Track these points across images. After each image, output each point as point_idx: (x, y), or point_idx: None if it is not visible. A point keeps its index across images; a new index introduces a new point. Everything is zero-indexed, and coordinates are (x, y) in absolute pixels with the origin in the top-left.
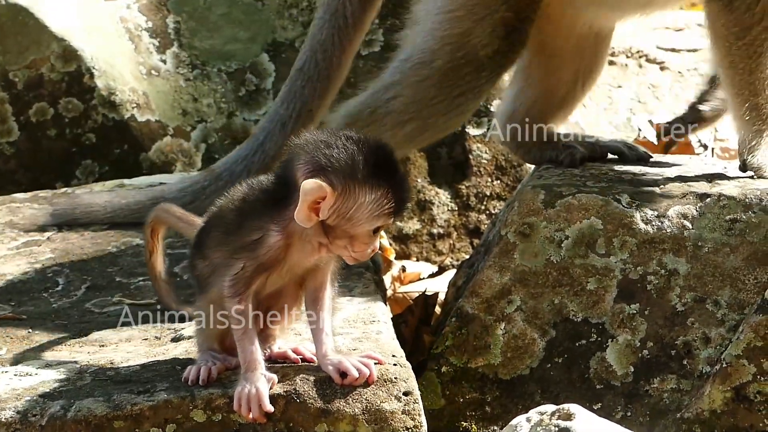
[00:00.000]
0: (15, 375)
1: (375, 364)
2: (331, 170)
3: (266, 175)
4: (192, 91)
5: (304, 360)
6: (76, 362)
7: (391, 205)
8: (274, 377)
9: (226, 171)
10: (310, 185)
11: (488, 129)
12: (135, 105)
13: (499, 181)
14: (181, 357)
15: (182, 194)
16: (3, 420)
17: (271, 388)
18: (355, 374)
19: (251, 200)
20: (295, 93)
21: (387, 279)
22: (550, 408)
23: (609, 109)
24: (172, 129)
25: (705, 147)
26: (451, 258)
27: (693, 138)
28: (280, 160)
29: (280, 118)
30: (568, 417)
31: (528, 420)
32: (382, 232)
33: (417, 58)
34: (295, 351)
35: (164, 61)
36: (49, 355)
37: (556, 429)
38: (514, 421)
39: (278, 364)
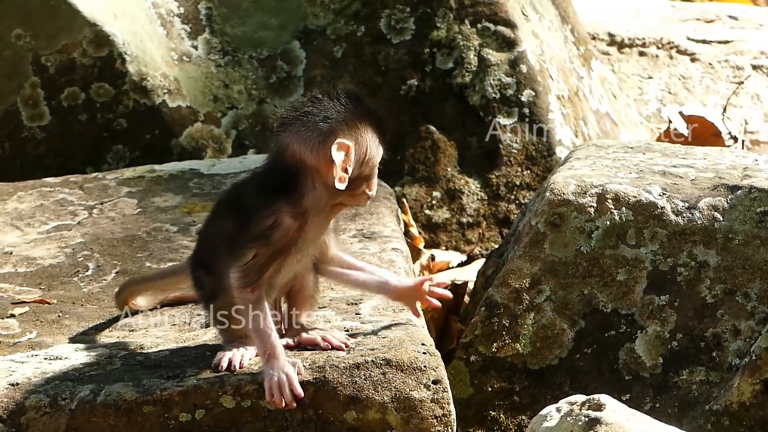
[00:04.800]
0: (45, 359)
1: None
2: (337, 128)
3: (255, 168)
4: (223, 78)
5: (332, 348)
6: (105, 347)
7: (383, 127)
8: (299, 363)
9: None
10: (336, 149)
11: (518, 118)
12: (166, 91)
13: (529, 171)
14: (210, 343)
15: None
16: (33, 403)
17: (298, 374)
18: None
19: (255, 190)
20: None
21: (416, 268)
22: (580, 398)
23: (639, 100)
24: (202, 115)
25: (735, 139)
26: (480, 247)
27: (723, 130)
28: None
29: None
30: (599, 407)
31: (558, 410)
32: (411, 221)
33: None
34: (324, 339)
35: (195, 47)
36: (78, 340)
37: (586, 419)
38: (543, 411)
39: (307, 351)
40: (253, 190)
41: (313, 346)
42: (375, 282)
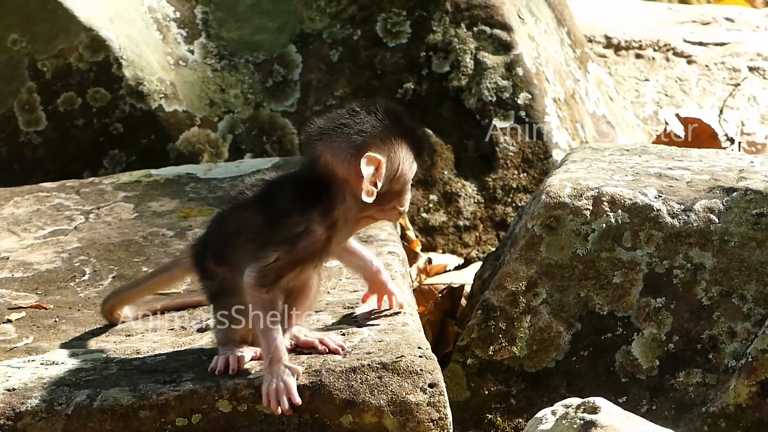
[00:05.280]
0: (41, 364)
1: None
2: (370, 142)
3: (290, 172)
4: (219, 82)
5: (329, 351)
6: (102, 352)
7: (419, 145)
8: (299, 369)
9: None
10: (366, 162)
11: (515, 121)
12: (162, 95)
13: (525, 174)
14: (207, 347)
15: None
16: (29, 408)
17: (297, 380)
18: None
19: (288, 194)
20: None
21: (413, 271)
22: (575, 401)
23: (636, 103)
24: (199, 119)
25: (732, 141)
26: (477, 250)
27: (720, 132)
28: (302, 155)
29: None
30: (594, 410)
31: (553, 413)
32: (408, 224)
33: None
34: (321, 342)
35: (192, 52)
36: (75, 345)
37: (582, 422)
38: (539, 414)
39: (304, 354)
40: (287, 193)
41: (310, 348)
42: (360, 265)
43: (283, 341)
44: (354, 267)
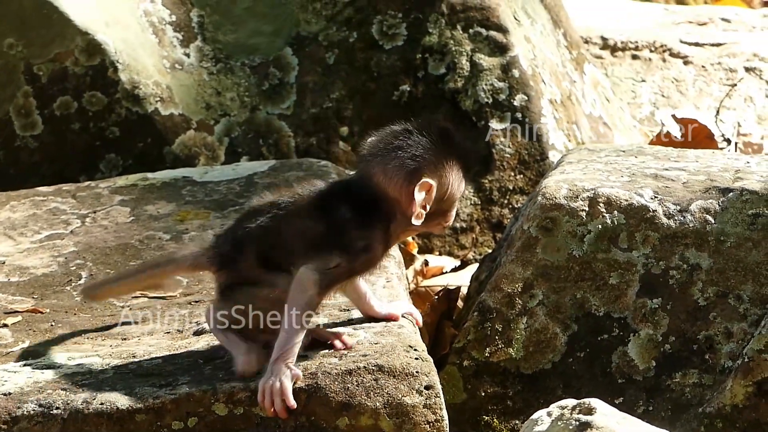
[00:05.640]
0: (37, 368)
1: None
2: (423, 166)
3: (340, 181)
4: (215, 85)
5: (346, 348)
6: (98, 356)
7: (469, 163)
8: (300, 374)
9: None
10: (419, 189)
11: (511, 123)
12: (158, 99)
13: (522, 176)
14: (203, 350)
15: None
16: (25, 413)
17: (294, 384)
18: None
19: (350, 207)
20: None
21: (409, 273)
22: (571, 402)
23: (632, 104)
24: (195, 123)
25: (728, 142)
26: (474, 252)
27: (716, 132)
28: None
29: None
30: (589, 411)
31: (549, 414)
32: None
33: None
34: (337, 336)
35: (188, 55)
36: (71, 349)
37: (577, 423)
38: (534, 416)
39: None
40: (348, 205)
41: (325, 341)
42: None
43: (299, 347)
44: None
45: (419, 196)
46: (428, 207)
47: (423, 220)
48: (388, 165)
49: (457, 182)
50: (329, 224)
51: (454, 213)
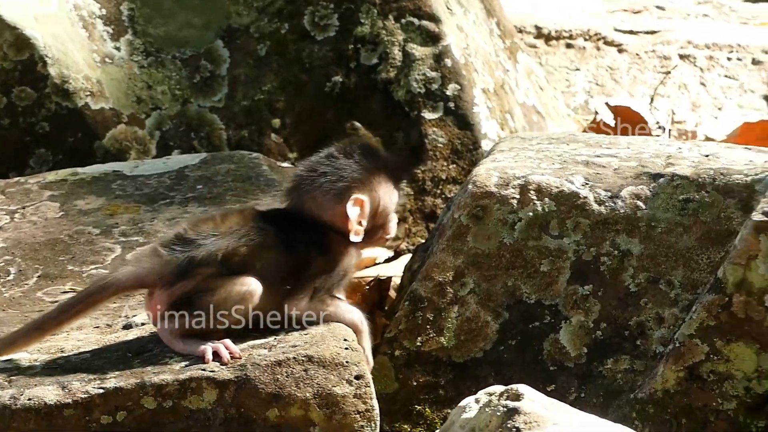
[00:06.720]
0: None
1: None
2: (351, 186)
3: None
4: (146, 79)
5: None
6: (26, 351)
7: (396, 177)
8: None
9: None
10: (350, 206)
11: (444, 113)
12: (89, 93)
13: (455, 165)
14: (132, 344)
15: None
16: None
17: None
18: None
19: (300, 240)
20: None
21: None
22: (498, 389)
23: (567, 92)
24: (126, 117)
25: (663, 129)
26: (407, 243)
27: (651, 120)
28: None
29: None
30: (517, 397)
31: (477, 401)
32: None
33: None
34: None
35: (118, 49)
36: None
37: (505, 409)
38: (462, 402)
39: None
40: (300, 236)
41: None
42: None
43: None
44: None
45: (353, 211)
46: (364, 223)
47: (362, 236)
48: (316, 192)
49: (388, 195)
50: (293, 259)
51: (394, 224)
